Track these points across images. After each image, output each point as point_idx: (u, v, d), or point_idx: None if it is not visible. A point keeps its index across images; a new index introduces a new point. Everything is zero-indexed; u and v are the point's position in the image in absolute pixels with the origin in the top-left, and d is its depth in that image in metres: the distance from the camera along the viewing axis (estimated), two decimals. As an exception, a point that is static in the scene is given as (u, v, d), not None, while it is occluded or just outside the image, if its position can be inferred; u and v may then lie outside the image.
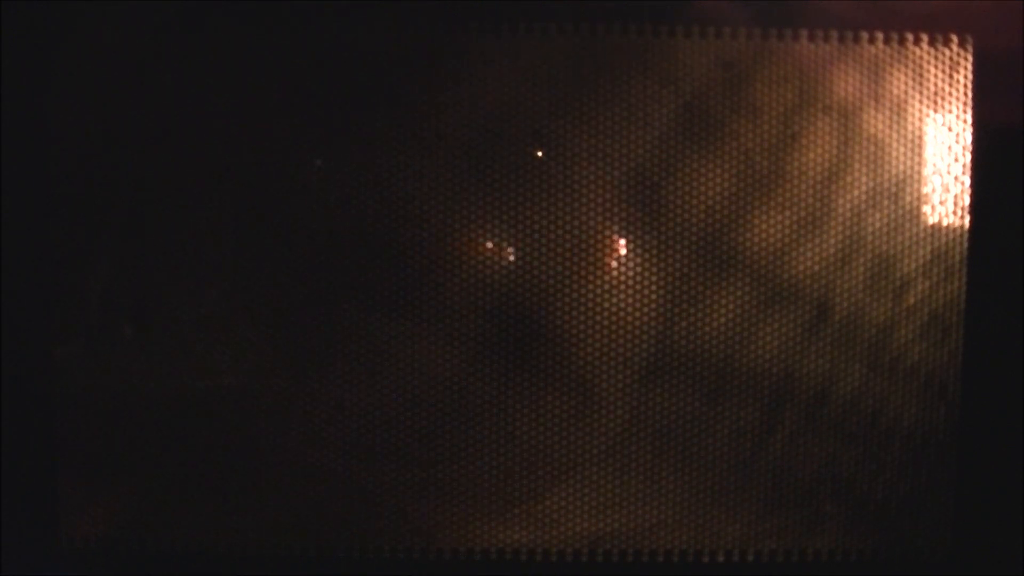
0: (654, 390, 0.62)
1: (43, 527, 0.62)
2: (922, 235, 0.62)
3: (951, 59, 0.60)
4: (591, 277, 0.61)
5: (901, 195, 0.61)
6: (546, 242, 0.61)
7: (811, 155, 0.61)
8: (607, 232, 0.61)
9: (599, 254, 0.62)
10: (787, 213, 0.61)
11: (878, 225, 0.61)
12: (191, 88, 0.61)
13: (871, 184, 0.61)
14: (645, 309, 0.61)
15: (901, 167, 0.61)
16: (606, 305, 0.61)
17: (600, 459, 0.63)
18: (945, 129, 0.61)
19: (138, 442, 0.65)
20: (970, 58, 0.60)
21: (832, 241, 0.61)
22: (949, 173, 0.61)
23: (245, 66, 0.61)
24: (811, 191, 0.61)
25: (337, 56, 0.61)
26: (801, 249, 0.61)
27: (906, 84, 0.61)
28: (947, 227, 0.61)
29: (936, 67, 0.60)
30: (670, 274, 0.61)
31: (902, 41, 0.60)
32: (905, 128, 0.61)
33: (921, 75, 0.61)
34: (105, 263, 0.63)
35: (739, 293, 0.62)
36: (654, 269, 0.61)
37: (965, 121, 0.61)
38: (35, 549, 0.63)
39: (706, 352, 0.62)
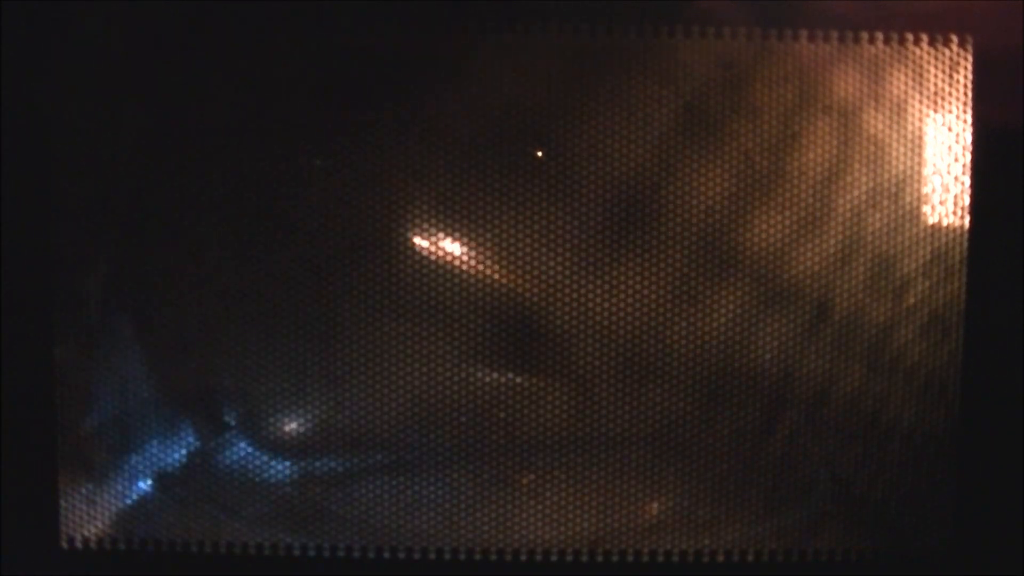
0: (654, 390, 0.62)
1: (43, 527, 0.62)
2: (922, 235, 0.62)
3: (951, 59, 0.60)
4: (592, 277, 0.61)
5: (901, 195, 0.61)
6: (546, 242, 0.61)
7: (811, 155, 0.61)
8: (607, 232, 0.61)
9: (599, 254, 0.62)
10: (787, 213, 0.61)
11: (878, 225, 0.61)
12: (191, 87, 0.61)
13: (871, 184, 0.61)
14: (645, 309, 0.61)
15: (901, 167, 0.61)
16: (607, 305, 0.61)
17: (599, 459, 0.63)
18: (945, 129, 0.61)
19: (139, 442, 0.65)
20: (970, 58, 0.60)
21: (832, 241, 0.61)
22: (949, 173, 0.61)
23: (246, 65, 0.61)
24: (811, 191, 0.61)
25: (336, 56, 0.61)
26: (801, 249, 0.61)
27: (906, 84, 0.61)
28: (947, 227, 0.61)
29: (936, 67, 0.60)
30: (670, 274, 0.61)
31: (902, 41, 0.60)
32: (905, 128, 0.61)
33: (921, 75, 0.61)
34: (105, 263, 0.63)
35: (739, 293, 0.62)
36: (654, 269, 0.61)
37: (965, 121, 0.60)
38: (35, 549, 0.63)
39: (706, 351, 0.62)
